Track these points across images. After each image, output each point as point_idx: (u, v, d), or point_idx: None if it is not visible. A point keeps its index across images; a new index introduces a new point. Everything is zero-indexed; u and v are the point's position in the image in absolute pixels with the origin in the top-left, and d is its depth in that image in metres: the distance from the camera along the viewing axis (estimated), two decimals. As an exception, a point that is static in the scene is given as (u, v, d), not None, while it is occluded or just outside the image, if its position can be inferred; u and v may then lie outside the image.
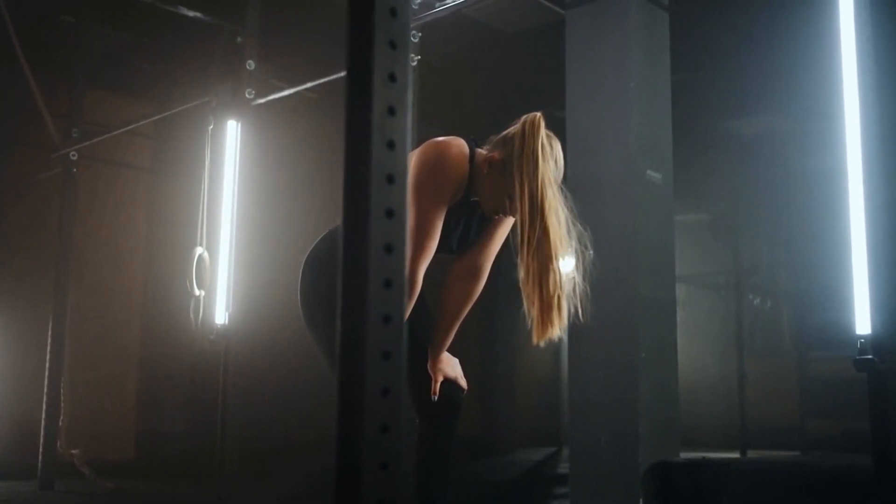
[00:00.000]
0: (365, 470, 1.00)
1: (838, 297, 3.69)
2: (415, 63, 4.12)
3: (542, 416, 9.37)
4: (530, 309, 2.16)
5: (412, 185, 2.15)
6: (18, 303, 6.04)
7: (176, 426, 7.22)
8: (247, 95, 5.04)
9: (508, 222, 2.39)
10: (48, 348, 5.58)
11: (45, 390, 5.50)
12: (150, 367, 7.03)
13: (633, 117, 3.81)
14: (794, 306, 8.68)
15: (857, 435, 6.55)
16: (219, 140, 5.06)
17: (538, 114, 2.25)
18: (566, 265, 2.18)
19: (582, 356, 3.83)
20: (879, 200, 3.15)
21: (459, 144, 2.29)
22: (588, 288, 2.21)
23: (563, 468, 6.64)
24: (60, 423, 5.49)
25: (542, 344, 2.17)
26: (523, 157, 2.17)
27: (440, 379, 2.40)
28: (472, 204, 2.35)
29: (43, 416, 5.49)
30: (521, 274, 2.16)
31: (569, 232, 2.19)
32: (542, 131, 2.21)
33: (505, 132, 2.29)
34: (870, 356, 3.06)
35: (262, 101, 5.09)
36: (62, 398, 5.51)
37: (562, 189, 2.22)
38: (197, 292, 4.81)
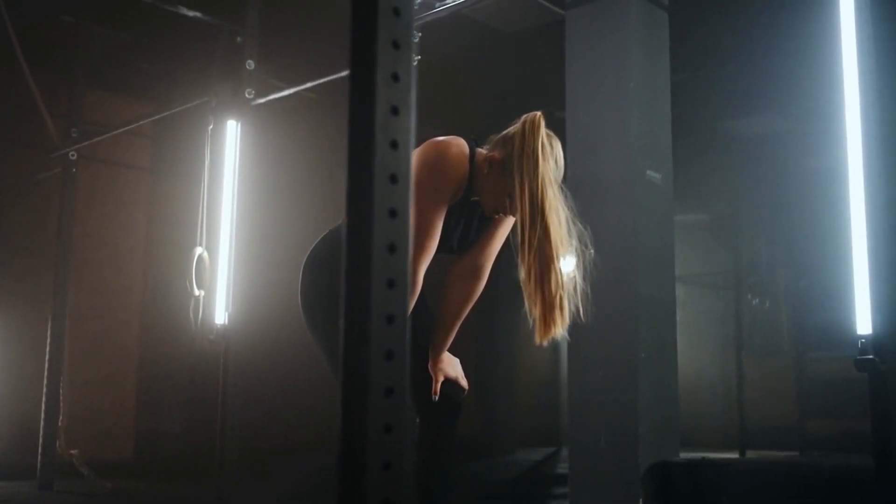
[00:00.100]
0: (368, 469, 1.00)
1: (838, 297, 3.70)
2: (415, 63, 4.11)
3: (541, 416, 9.38)
4: (532, 309, 2.16)
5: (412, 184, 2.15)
6: (18, 302, 6.04)
7: (175, 426, 7.22)
8: (246, 95, 5.04)
9: (509, 222, 2.39)
10: (47, 348, 5.58)
11: (45, 390, 5.50)
12: (150, 367, 7.03)
13: (633, 117, 3.81)
14: (793, 306, 8.69)
15: (855, 435, 6.57)
16: (218, 140, 5.06)
17: (538, 113, 2.25)
18: (567, 265, 2.18)
19: (581, 356, 3.83)
20: (880, 200, 3.16)
21: (459, 144, 2.29)
22: (588, 288, 2.21)
23: (563, 468, 6.64)
24: (60, 423, 5.49)
25: (544, 343, 2.17)
26: (523, 156, 2.17)
27: (441, 379, 2.40)
28: (473, 204, 2.35)
29: (42, 415, 5.48)
30: (523, 274, 2.15)
31: (569, 231, 2.19)
32: (543, 131, 2.21)
33: (505, 132, 2.29)
34: (871, 356, 3.06)
35: (261, 100, 5.08)
36: (61, 398, 5.50)
37: (562, 188, 2.22)
38: (197, 292, 4.80)
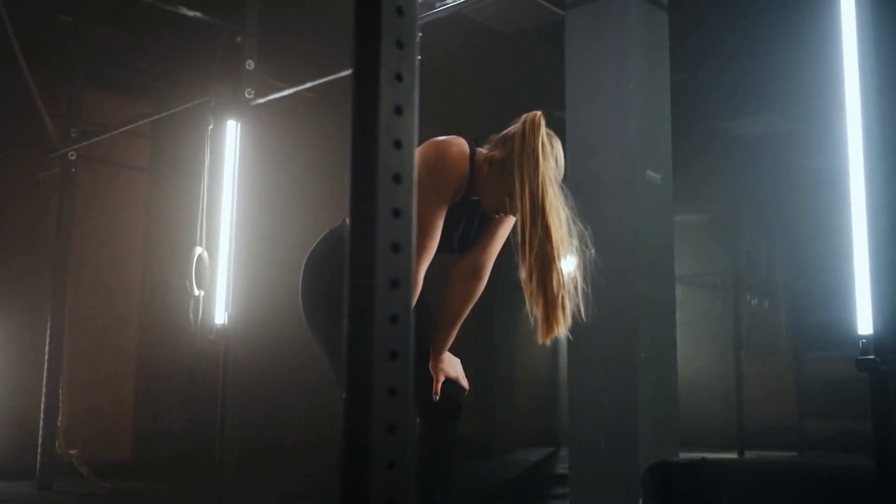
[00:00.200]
0: (372, 470, 1.00)
1: (838, 297, 3.70)
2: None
3: (541, 416, 9.38)
4: (534, 309, 2.15)
5: (413, 184, 2.14)
6: (17, 302, 6.03)
7: (175, 426, 7.22)
8: (246, 95, 5.04)
9: (509, 222, 2.39)
10: (46, 348, 5.57)
11: (44, 390, 5.49)
12: (149, 367, 7.03)
13: (633, 117, 3.80)
14: (793, 306, 8.69)
15: (854, 435, 6.57)
16: (218, 140, 5.05)
17: (538, 113, 2.25)
18: (568, 264, 2.18)
19: (581, 356, 3.83)
20: (881, 201, 3.16)
21: (460, 144, 2.29)
22: (588, 287, 2.21)
23: (562, 468, 6.64)
24: (59, 423, 5.48)
25: (547, 343, 2.17)
26: (524, 155, 2.17)
27: (442, 379, 2.40)
28: (473, 203, 2.35)
29: (41, 415, 5.48)
30: (524, 274, 2.15)
31: (570, 231, 2.19)
32: (543, 130, 2.21)
33: (505, 131, 2.29)
34: (872, 356, 3.06)
35: (261, 100, 5.08)
36: (60, 398, 5.50)
37: (562, 188, 2.22)
38: (196, 292, 4.80)
